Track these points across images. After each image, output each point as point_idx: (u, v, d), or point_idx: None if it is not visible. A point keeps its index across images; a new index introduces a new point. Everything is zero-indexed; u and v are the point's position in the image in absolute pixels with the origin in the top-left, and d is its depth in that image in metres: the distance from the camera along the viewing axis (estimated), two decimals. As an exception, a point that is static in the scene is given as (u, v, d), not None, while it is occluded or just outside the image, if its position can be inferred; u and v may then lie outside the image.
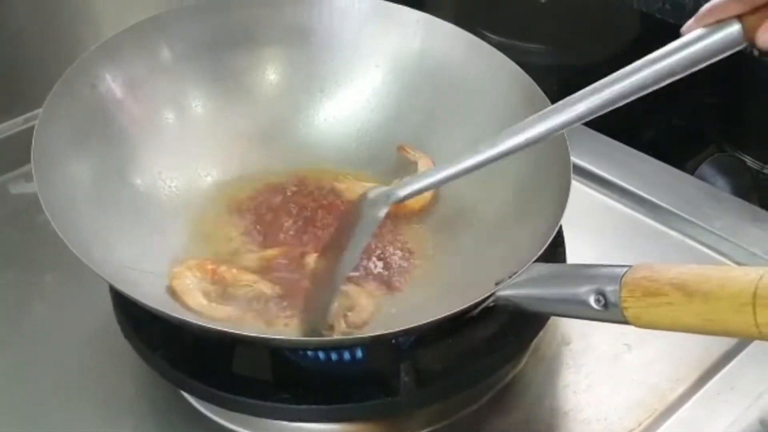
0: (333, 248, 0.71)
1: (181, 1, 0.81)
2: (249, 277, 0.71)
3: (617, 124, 1.08)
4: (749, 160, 1.08)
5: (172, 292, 0.69)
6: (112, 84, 0.75)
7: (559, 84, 1.07)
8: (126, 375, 0.71)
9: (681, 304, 0.53)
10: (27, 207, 0.86)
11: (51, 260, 0.79)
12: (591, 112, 0.60)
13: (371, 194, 0.68)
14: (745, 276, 0.51)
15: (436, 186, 0.68)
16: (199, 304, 0.68)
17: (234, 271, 0.71)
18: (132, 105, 0.76)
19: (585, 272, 0.59)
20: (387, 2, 0.82)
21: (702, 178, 1.03)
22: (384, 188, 0.68)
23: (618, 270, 0.56)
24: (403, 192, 0.67)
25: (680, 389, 0.70)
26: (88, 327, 0.75)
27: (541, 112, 0.61)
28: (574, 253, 0.73)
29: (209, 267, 0.71)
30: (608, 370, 0.71)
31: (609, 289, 0.56)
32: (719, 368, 0.71)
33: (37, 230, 0.82)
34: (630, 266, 0.56)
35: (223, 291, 0.70)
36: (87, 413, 0.70)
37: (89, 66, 0.74)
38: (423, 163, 0.78)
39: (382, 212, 0.67)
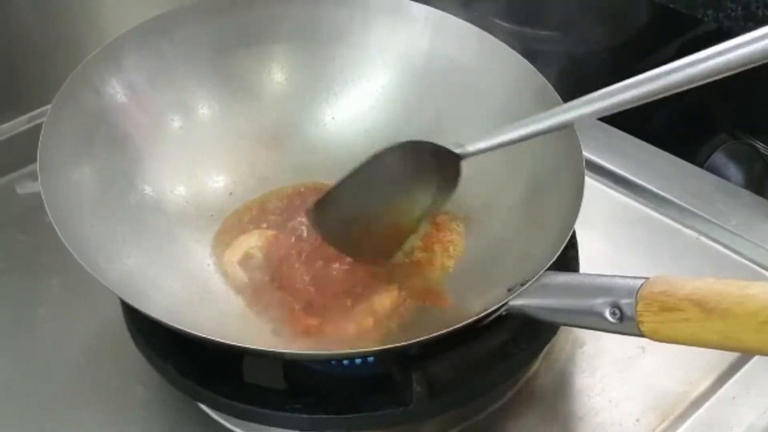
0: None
1: (183, 0, 0.79)
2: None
3: (627, 112, 1.07)
4: (762, 147, 1.06)
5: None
6: (116, 87, 0.74)
7: (571, 71, 1.06)
8: (137, 381, 0.71)
9: (699, 320, 0.52)
10: (34, 207, 0.83)
11: (58, 263, 0.76)
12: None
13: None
14: (763, 294, 0.50)
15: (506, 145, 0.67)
16: (229, 261, 0.73)
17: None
18: (137, 109, 0.75)
19: (600, 283, 0.58)
20: (396, -2, 0.81)
21: (714, 166, 1.02)
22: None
23: (634, 283, 0.56)
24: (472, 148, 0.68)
25: (695, 393, 0.69)
26: (96, 332, 0.75)
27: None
28: (586, 251, 0.72)
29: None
30: (622, 373, 0.71)
31: (624, 302, 0.55)
32: (735, 371, 0.70)
33: (44, 231, 0.79)
34: (646, 278, 0.55)
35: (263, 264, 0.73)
36: (96, 420, 0.69)
37: (92, 70, 0.72)
38: None
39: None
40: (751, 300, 0.50)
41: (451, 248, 0.75)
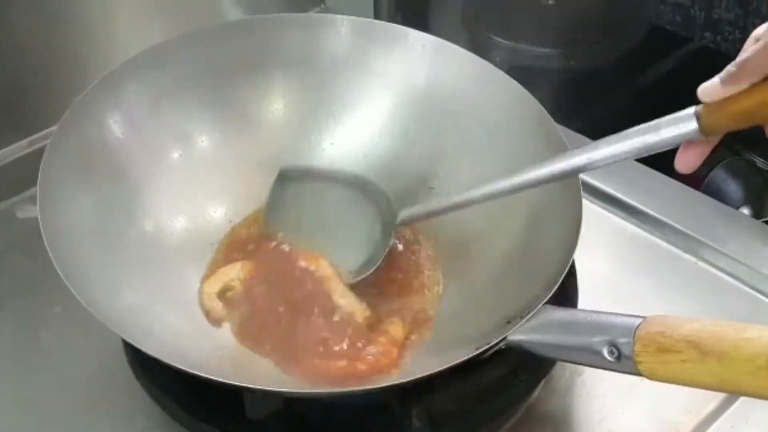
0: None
1: (182, 27, 0.79)
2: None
3: (628, 128, 1.07)
4: (761, 162, 1.07)
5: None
6: (116, 118, 0.74)
7: (568, 87, 1.06)
8: (139, 411, 0.70)
9: (695, 362, 0.52)
10: (34, 232, 0.83)
11: (60, 289, 0.74)
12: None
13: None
14: (760, 338, 0.50)
15: (441, 213, 0.72)
16: (207, 292, 0.72)
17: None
18: (137, 139, 0.75)
19: (597, 321, 0.58)
20: (394, 25, 0.81)
21: (713, 182, 1.02)
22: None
23: (631, 322, 0.56)
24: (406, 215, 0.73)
25: (693, 422, 0.69)
26: (98, 360, 0.74)
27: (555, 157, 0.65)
28: (583, 276, 0.72)
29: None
30: (621, 402, 0.71)
31: (622, 341, 0.56)
32: (733, 400, 0.70)
33: (45, 257, 0.80)
34: (644, 318, 0.56)
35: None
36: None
37: (92, 100, 0.73)
38: None
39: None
40: (747, 344, 0.50)
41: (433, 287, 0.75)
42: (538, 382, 0.68)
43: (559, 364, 0.71)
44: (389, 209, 0.74)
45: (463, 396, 0.65)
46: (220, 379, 0.59)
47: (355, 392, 0.64)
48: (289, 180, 0.78)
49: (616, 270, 0.81)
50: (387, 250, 0.73)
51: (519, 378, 0.66)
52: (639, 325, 0.55)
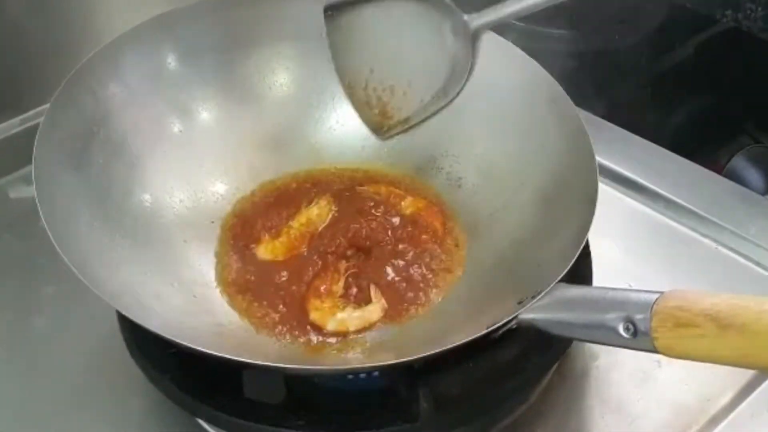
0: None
1: (179, 0, 0.77)
2: None
3: (647, 113, 1.05)
4: (781, 150, 1.04)
5: None
6: (114, 90, 0.72)
7: (584, 71, 1.04)
8: (133, 393, 0.69)
9: (715, 336, 0.50)
10: (27, 212, 0.81)
11: (53, 270, 0.72)
12: None
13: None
14: (783, 310, 0.48)
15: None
16: None
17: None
18: (135, 112, 0.73)
19: (613, 297, 0.56)
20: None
21: (734, 170, 1.00)
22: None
23: (648, 297, 0.54)
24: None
25: (712, 410, 0.67)
26: (92, 342, 0.73)
27: None
28: (599, 260, 0.70)
29: None
30: (637, 388, 0.68)
31: (639, 317, 0.54)
32: (753, 387, 0.68)
33: (37, 237, 0.77)
34: (661, 293, 0.53)
35: None
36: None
37: (90, 71, 0.71)
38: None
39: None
40: (770, 316, 0.48)
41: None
42: (550, 365, 0.66)
43: (573, 348, 0.69)
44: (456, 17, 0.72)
45: (473, 378, 0.62)
46: (221, 355, 0.56)
47: (356, 369, 0.62)
48: (339, 15, 0.75)
49: (632, 254, 0.79)
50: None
51: (531, 361, 0.63)
52: (656, 300, 0.53)
